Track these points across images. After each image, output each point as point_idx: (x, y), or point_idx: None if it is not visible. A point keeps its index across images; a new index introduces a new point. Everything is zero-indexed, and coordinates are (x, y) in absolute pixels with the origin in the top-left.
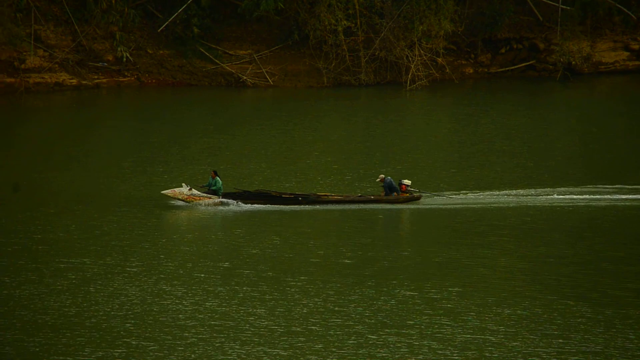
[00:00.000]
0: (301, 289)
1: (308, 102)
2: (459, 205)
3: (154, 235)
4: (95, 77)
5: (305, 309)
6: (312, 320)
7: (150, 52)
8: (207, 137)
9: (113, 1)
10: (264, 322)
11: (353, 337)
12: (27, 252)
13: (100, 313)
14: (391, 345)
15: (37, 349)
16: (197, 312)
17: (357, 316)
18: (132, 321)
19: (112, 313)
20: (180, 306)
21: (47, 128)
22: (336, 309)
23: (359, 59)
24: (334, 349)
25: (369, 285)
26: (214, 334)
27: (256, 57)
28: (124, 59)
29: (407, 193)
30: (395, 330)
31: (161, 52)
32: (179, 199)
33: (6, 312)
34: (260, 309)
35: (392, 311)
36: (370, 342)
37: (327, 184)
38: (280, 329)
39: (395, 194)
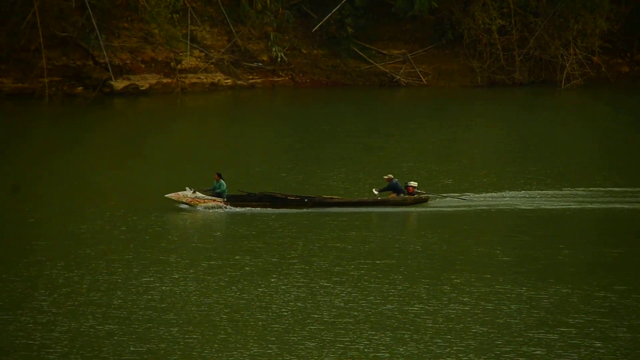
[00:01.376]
0: (457, 287)
1: (462, 102)
2: (476, 207)
3: (310, 232)
4: (250, 77)
5: (460, 306)
6: (468, 318)
7: (304, 52)
8: (362, 137)
9: (268, 2)
10: (419, 319)
11: (509, 335)
12: (184, 249)
13: (255, 309)
14: (549, 344)
15: (194, 345)
16: (352, 309)
17: (514, 314)
18: (287, 318)
19: (267, 309)
20: (335, 303)
21: (202, 128)
22: (491, 307)
23: (513, 57)
24: (490, 346)
25: (526, 283)
26: (371, 332)
27: (410, 57)
28: (279, 59)
29: (414, 195)
30: (554, 328)
31: (315, 52)
32: (183, 202)
33: (165, 309)
34: (417, 306)
35: (550, 309)
36: (527, 340)
37: (484, 183)
38: (437, 326)
39: (402, 195)
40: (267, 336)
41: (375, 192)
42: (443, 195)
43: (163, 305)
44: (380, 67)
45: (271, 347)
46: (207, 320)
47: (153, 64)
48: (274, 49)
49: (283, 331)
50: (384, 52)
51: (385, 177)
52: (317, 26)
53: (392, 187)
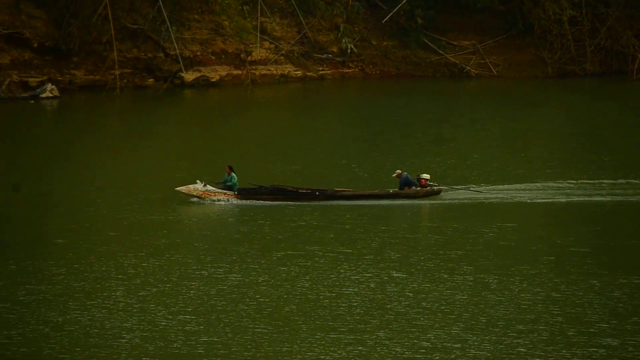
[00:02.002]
0: (528, 278)
1: (533, 92)
2: (487, 200)
3: (379, 224)
4: (320, 68)
5: (532, 296)
6: (539, 308)
7: (374, 43)
8: (432, 128)
9: None
10: (491, 310)
11: (581, 326)
12: (253, 240)
13: (326, 300)
14: (622, 335)
15: (264, 335)
16: (422, 300)
17: (586, 304)
18: (358, 308)
19: (338, 299)
20: (405, 293)
21: (271, 119)
22: (563, 297)
23: (584, 48)
24: (562, 337)
25: (597, 274)
26: (443, 322)
27: (480, 48)
28: (349, 51)
29: (426, 187)
30: (627, 319)
31: (385, 43)
32: (194, 196)
33: (236, 299)
34: (488, 296)
35: (622, 300)
36: (599, 330)
37: (549, 174)
38: (509, 316)
39: (414, 187)
40: (338, 327)
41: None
42: (455, 187)
43: (233, 295)
44: (450, 58)
45: (342, 337)
46: (277, 310)
47: (223, 56)
48: (343, 40)
49: (354, 322)
50: (454, 43)
51: (394, 174)
52: (387, 17)
53: (405, 182)
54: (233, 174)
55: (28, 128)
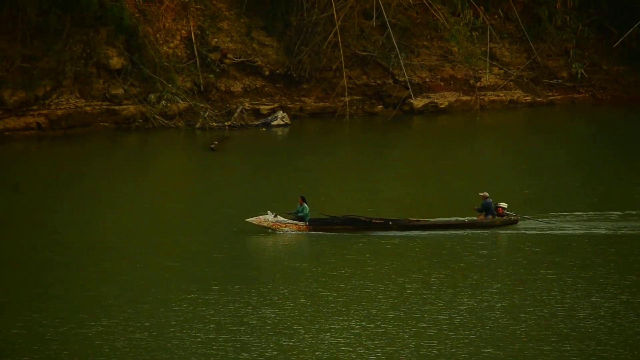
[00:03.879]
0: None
1: None
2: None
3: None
4: (549, 94)
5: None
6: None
7: (604, 68)
8: None
9: (567, 18)
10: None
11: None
12: (493, 266)
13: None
14: None
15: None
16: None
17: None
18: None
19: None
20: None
21: (501, 145)
22: None
23: None
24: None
25: None
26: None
27: None
28: (579, 76)
29: (504, 216)
30: None
31: (616, 68)
32: (265, 227)
33: (460, 323)
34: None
35: None
36: None
37: None
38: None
39: (490, 216)
40: (571, 354)
41: (477, 211)
42: (527, 217)
43: (464, 320)
44: None
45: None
46: (510, 335)
47: (452, 82)
48: (573, 65)
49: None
50: None
51: (481, 194)
52: (618, 42)
53: (485, 207)
54: (305, 205)
55: (263, 155)
